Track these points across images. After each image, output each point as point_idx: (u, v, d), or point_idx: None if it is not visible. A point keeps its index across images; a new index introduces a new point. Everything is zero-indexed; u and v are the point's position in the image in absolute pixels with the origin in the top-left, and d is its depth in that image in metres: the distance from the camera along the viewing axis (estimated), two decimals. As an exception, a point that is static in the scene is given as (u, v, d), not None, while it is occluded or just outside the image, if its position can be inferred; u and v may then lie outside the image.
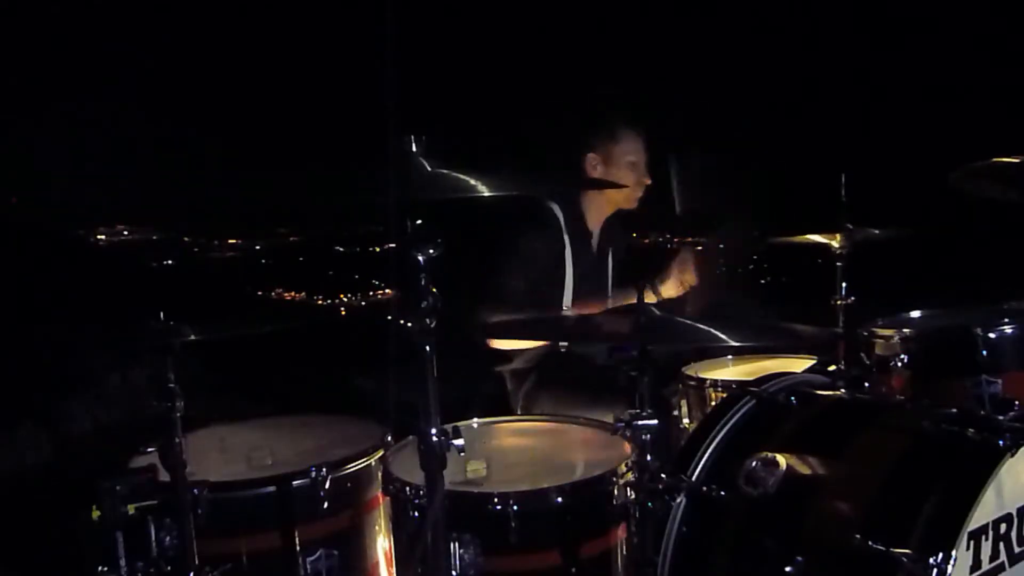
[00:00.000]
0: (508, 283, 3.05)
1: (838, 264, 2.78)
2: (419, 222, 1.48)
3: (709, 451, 2.12)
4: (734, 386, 2.69)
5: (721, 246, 3.36)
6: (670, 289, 3.16)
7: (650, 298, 3.03)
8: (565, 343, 3.13)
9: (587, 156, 3.16)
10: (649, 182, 3.21)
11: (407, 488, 1.89)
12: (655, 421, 1.90)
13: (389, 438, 2.27)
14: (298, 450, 2.34)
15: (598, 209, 3.26)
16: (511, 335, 2.99)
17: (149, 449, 2.15)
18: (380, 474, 2.11)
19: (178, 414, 1.92)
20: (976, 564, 1.72)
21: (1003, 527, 1.77)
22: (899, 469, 1.83)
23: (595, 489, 1.90)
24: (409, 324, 1.50)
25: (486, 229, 3.23)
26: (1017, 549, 1.81)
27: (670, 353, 3.07)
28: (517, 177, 1.73)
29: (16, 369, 4.38)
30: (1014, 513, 1.79)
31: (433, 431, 1.52)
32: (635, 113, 3.26)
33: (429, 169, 1.56)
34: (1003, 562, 1.78)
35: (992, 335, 2.52)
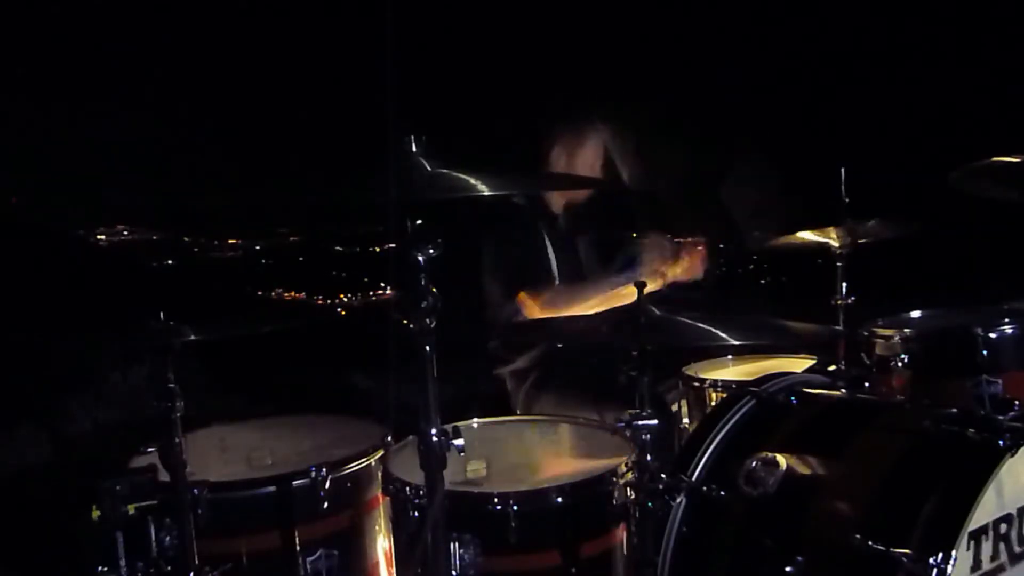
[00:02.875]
0: (500, 272, 3.09)
1: (838, 264, 2.77)
2: (419, 222, 1.48)
3: (709, 451, 2.12)
4: (734, 386, 2.69)
5: (722, 246, 3.36)
6: (656, 282, 3.12)
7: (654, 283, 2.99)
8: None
9: (553, 151, 3.20)
10: (600, 180, 3.24)
11: (407, 488, 1.89)
12: (655, 421, 1.90)
13: (389, 438, 2.27)
14: (298, 450, 2.34)
15: (557, 196, 3.30)
16: (516, 336, 3.00)
17: (149, 449, 2.15)
18: (380, 474, 2.11)
19: (178, 414, 1.92)
20: (976, 564, 1.72)
21: (1003, 527, 1.77)
22: (899, 469, 1.83)
23: (595, 489, 1.90)
24: (409, 324, 1.50)
25: (465, 227, 3.25)
26: (1017, 549, 1.81)
27: (670, 353, 3.07)
28: (517, 177, 1.73)
29: (16, 369, 4.38)
30: (1014, 513, 1.78)
31: (433, 431, 1.52)
32: (601, 110, 3.28)
33: (429, 169, 1.56)
34: (1003, 562, 1.78)
35: (992, 335, 2.52)
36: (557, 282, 3.17)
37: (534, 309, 3.04)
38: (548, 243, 3.20)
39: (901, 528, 1.68)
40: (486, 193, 1.56)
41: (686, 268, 3.11)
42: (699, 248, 3.12)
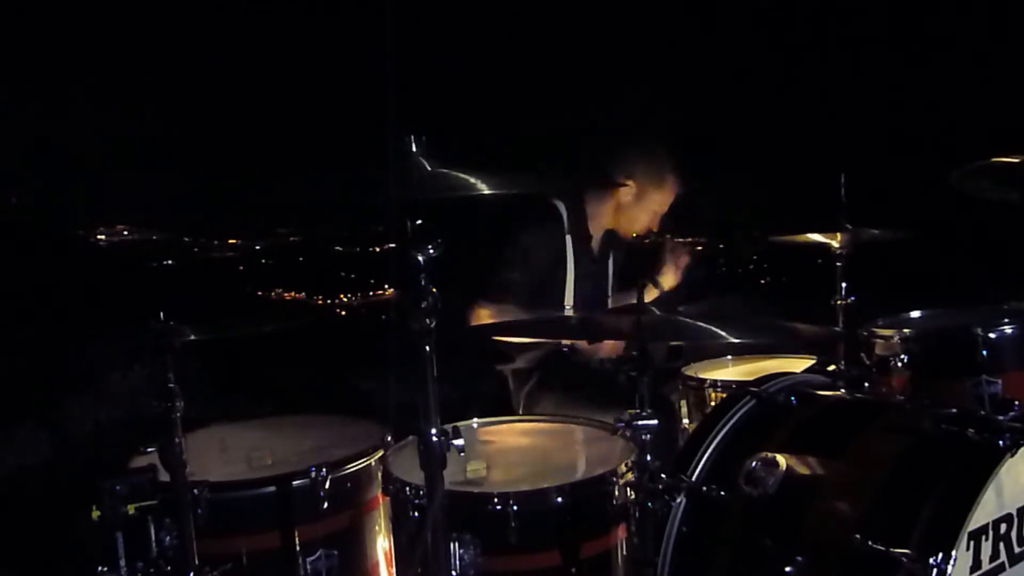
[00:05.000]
0: (508, 277, 3.06)
1: (838, 264, 2.77)
2: (419, 222, 1.48)
3: (709, 451, 2.12)
4: (734, 386, 2.69)
5: (721, 246, 3.37)
6: (669, 279, 3.18)
7: (653, 294, 3.02)
8: (567, 344, 3.14)
9: (625, 180, 3.13)
10: (655, 229, 3.24)
11: (407, 488, 1.89)
12: (655, 421, 1.90)
13: (389, 438, 2.27)
14: (298, 450, 2.34)
15: (601, 216, 3.25)
16: (514, 335, 2.99)
17: (149, 449, 2.15)
18: (380, 474, 2.11)
19: (178, 414, 1.92)
20: (976, 564, 1.72)
21: (1003, 527, 1.77)
22: (899, 469, 1.83)
23: (595, 489, 1.90)
24: (409, 324, 1.50)
25: (489, 222, 3.23)
26: (1017, 549, 1.81)
27: (669, 353, 3.08)
28: (516, 177, 1.73)
29: (16, 369, 4.37)
30: (1014, 513, 1.79)
31: (433, 431, 1.52)
32: (678, 159, 3.25)
33: (429, 169, 1.56)
34: (1003, 562, 1.78)
35: (992, 335, 2.52)
36: (571, 291, 3.16)
37: (483, 315, 3.01)
38: (570, 256, 3.17)
39: (901, 528, 1.68)
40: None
41: (675, 268, 3.16)
42: (683, 256, 3.16)
